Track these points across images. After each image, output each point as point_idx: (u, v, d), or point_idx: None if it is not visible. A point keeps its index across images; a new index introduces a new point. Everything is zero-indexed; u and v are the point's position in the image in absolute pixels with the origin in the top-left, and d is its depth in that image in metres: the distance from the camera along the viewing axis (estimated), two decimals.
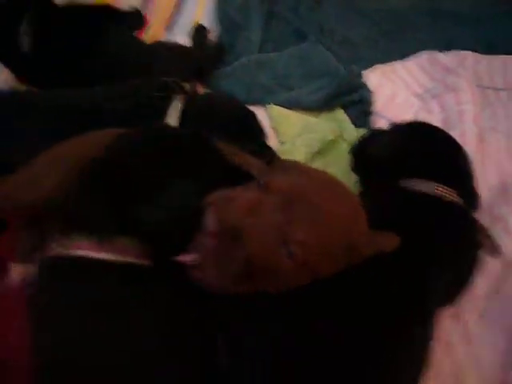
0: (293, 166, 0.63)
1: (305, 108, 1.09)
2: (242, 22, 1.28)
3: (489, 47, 1.23)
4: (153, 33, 1.29)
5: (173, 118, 0.82)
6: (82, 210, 0.59)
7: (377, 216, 0.69)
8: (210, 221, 0.51)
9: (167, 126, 0.79)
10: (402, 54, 1.23)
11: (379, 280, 0.61)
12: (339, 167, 0.93)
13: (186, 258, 0.52)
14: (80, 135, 0.73)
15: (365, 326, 0.58)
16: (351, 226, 0.56)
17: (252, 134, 0.89)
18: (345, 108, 1.09)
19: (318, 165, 0.95)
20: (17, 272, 0.63)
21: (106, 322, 0.54)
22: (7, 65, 1.14)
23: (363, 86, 1.10)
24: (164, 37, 1.28)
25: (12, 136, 0.84)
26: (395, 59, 1.22)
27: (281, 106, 1.08)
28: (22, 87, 1.15)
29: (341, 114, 1.07)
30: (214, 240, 0.51)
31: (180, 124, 0.82)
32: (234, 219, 0.50)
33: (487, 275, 0.79)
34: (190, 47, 1.22)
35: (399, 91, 1.13)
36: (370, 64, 1.19)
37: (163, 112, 0.83)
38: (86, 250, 0.57)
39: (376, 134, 0.90)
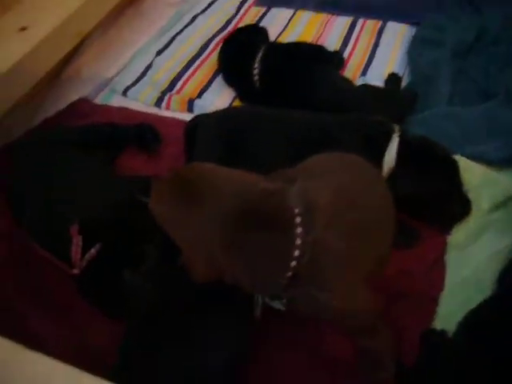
0: None
1: (488, 162, 1.17)
2: (433, 75, 1.39)
3: None
4: (350, 75, 1.44)
5: (392, 153, 0.95)
6: None
7: None
8: None
9: None
10: None
11: None
12: None
13: None
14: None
15: None
16: None
17: (455, 178, 1.01)
18: None
19: (500, 214, 1.06)
20: None
21: None
22: (238, 92, 1.38)
23: None
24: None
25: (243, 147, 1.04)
26: None
27: (465, 157, 1.16)
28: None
29: None
30: None
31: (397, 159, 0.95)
32: None
33: None
34: (388, 92, 1.35)
35: None
36: None
37: (383, 147, 0.96)
38: None
39: None
